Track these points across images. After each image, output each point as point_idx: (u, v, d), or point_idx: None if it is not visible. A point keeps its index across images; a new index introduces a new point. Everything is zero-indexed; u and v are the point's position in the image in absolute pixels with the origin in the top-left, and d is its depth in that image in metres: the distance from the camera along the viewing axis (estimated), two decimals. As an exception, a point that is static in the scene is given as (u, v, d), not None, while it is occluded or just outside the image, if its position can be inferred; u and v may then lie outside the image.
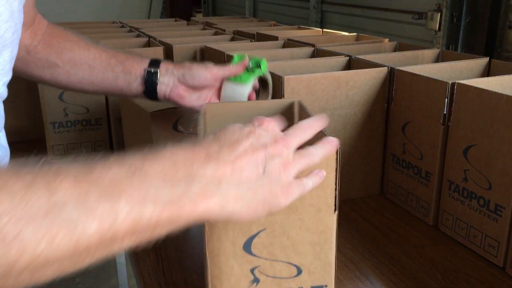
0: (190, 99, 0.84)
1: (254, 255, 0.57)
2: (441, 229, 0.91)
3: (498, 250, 0.80)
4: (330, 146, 0.53)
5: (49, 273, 0.35)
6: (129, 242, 0.39)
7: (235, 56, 0.87)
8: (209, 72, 0.82)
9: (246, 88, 0.84)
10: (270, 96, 0.91)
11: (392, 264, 0.81)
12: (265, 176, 0.46)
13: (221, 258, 0.56)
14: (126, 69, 0.83)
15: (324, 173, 0.53)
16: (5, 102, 0.85)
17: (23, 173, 0.35)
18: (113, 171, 0.39)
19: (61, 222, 0.34)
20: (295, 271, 0.59)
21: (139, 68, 0.83)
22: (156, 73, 0.83)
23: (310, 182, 0.51)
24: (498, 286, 0.75)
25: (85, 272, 2.39)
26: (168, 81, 0.83)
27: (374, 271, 0.79)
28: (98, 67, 0.83)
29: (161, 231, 0.40)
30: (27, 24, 0.80)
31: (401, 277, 0.77)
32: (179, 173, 0.41)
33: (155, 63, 0.84)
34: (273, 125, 0.51)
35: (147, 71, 0.83)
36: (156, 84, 0.83)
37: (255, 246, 0.56)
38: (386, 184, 1.05)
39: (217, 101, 0.86)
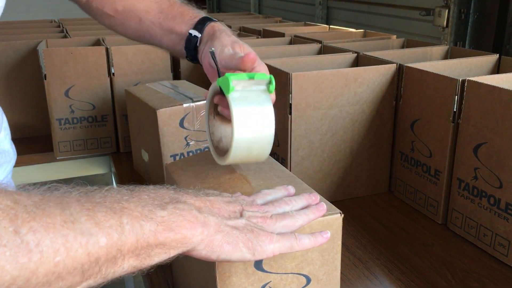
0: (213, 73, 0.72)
1: (265, 271, 0.56)
2: (450, 227, 0.90)
3: (508, 249, 0.79)
4: (317, 213, 0.54)
5: (62, 287, 0.36)
6: (132, 262, 0.40)
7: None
8: (234, 62, 0.65)
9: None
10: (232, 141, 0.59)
11: (401, 263, 0.80)
12: (243, 219, 0.48)
13: (233, 279, 0.55)
14: (173, 28, 0.76)
15: (329, 235, 0.53)
16: (11, 98, 0.85)
17: (31, 194, 0.37)
18: (112, 195, 0.41)
19: (75, 233, 0.36)
20: (304, 281, 0.58)
21: (185, 29, 0.74)
22: (197, 38, 0.73)
23: (306, 239, 0.51)
24: (509, 285, 0.74)
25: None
26: (205, 49, 0.72)
27: (383, 270, 0.79)
28: (148, 22, 0.78)
29: (158, 253, 0.42)
30: None
31: (410, 276, 0.77)
32: (165, 199, 0.44)
33: (200, 24, 0.74)
34: (250, 198, 0.54)
35: (189, 34, 0.74)
36: (197, 51, 0.74)
37: (266, 262, 0.55)
38: (394, 182, 1.04)
39: None
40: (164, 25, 0.77)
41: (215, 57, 0.65)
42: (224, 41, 0.68)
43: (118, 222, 0.39)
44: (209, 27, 0.73)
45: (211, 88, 0.65)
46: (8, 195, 0.35)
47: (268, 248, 0.47)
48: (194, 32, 0.73)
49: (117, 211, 0.39)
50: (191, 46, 0.74)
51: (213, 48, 0.66)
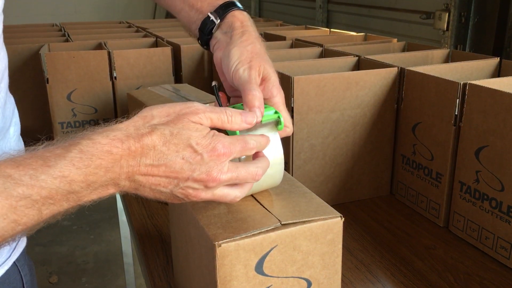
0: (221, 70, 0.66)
1: (266, 275, 0.56)
2: (452, 230, 0.91)
3: (510, 252, 0.79)
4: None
5: None
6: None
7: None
8: (241, 90, 0.58)
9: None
10: None
11: (403, 266, 0.80)
12: (168, 190, 0.49)
13: (233, 283, 0.55)
14: (194, 3, 0.68)
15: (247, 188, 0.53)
16: (15, 102, 0.85)
17: None
18: (41, 180, 0.42)
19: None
20: (305, 285, 0.58)
21: (205, 9, 0.67)
22: (213, 26, 0.65)
23: (233, 192, 0.52)
24: (511, 288, 0.75)
25: (92, 272, 2.39)
26: (223, 38, 0.65)
27: (385, 272, 0.79)
28: None
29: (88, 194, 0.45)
30: None
31: (412, 279, 0.77)
32: (98, 178, 0.45)
33: (223, 8, 0.66)
34: (223, 157, 0.49)
35: (207, 17, 0.66)
36: (210, 36, 0.67)
37: (267, 266, 0.55)
38: (396, 185, 1.04)
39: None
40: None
41: (217, 92, 0.59)
42: (243, 54, 0.60)
43: (37, 213, 0.42)
44: (230, 16, 0.65)
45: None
46: None
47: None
48: (213, 16, 0.65)
49: (38, 204, 0.42)
50: (206, 30, 0.66)
51: (214, 83, 0.60)
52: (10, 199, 0.40)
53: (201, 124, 0.49)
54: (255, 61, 0.59)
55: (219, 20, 0.65)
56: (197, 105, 0.50)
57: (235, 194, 0.52)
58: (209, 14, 0.65)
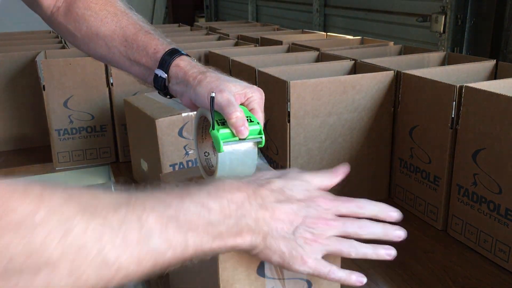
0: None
1: (268, 277, 0.56)
2: (450, 234, 0.90)
3: (509, 255, 0.79)
4: (380, 254, 0.54)
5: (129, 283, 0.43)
6: (184, 263, 0.46)
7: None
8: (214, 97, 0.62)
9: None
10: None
11: (402, 270, 0.80)
12: (293, 236, 0.50)
13: (236, 286, 0.55)
14: (140, 62, 0.72)
15: (364, 280, 0.54)
16: (10, 109, 0.84)
17: (117, 207, 0.43)
18: (186, 207, 0.46)
19: (147, 249, 0.43)
20: (305, 286, 0.58)
21: (150, 65, 0.71)
22: (164, 80, 0.69)
23: (338, 274, 0.52)
24: (510, 291, 0.74)
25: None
26: (176, 89, 0.69)
27: (384, 277, 0.78)
28: (113, 48, 0.74)
29: (206, 256, 0.48)
30: None
31: (411, 283, 0.76)
32: (232, 212, 0.48)
33: (165, 62, 0.69)
34: (328, 205, 0.53)
35: (155, 74, 0.70)
36: (167, 89, 0.70)
37: (268, 268, 0.56)
38: (394, 188, 1.04)
39: None
40: (131, 55, 0.73)
41: (213, 104, 0.60)
42: (209, 87, 0.63)
43: (184, 238, 0.45)
44: (175, 68, 0.68)
45: (198, 113, 0.65)
46: (97, 214, 0.41)
47: (295, 268, 0.51)
48: (160, 72, 0.69)
49: (185, 228, 0.45)
50: (160, 86, 0.70)
51: (213, 94, 0.60)
52: (162, 218, 0.44)
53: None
54: (222, 85, 0.62)
55: (166, 74, 0.69)
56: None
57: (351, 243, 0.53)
58: (156, 71, 0.69)
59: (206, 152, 0.67)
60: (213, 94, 0.60)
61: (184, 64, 0.68)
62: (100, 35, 0.74)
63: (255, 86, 0.64)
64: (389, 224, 0.55)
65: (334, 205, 0.53)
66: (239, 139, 0.58)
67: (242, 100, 0.62)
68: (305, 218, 0.51)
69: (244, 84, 0.64)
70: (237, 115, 0.58)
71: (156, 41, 0.72)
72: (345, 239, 0.52)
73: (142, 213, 0.43)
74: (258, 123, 0.60)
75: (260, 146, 0.60)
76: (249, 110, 0.62)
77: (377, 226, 0.54)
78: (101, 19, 0.75)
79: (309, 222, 0.51)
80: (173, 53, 0.69)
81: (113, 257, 0.40)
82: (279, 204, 0.51)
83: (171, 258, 0.44)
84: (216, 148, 0.58)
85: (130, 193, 0.45)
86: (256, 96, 0.63)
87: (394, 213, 0.56)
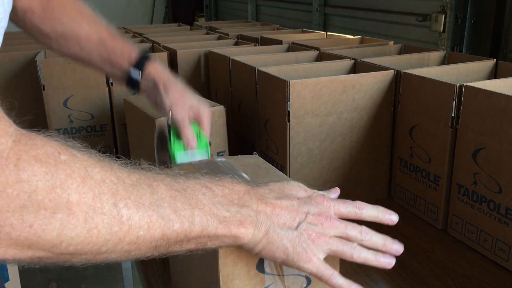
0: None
1: (267, 273, 0.56)
2: (450, 233, 0.90)
3: (509, 254, 0.79)
4: (381, 261, 0.54)
5: (137, 255, 0.44)
6: (191, 245, 0.47)
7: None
8: (171, 113, 0.78)
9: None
10: None
11: (402, 269, 0.80)
12: (297, 231, 0.50)
13: (236, 282, 0.55)
14: (112, 61, 0.82)
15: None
16: (10, 109, 0.84)
17: (130, 172, 0.44)
18: (192, 185, 0.47)
19: (158, 215, 0.43)
20: (305, 282, 0.58)
21: (124, 65, 0.82)
22: (138, 83, 0.82)
23: (339, 280, 0.52)
24: (510, 291, 0.74)
25: (91, 279, 2.38)
26: (148, 86, 0.82)
27: (384, 276, 0.78)
28: (87, 49, 0.82)
29: (213, 243, 0.49)
30: None
31: (411, 283, 0.76)
32: (234, 200, 0.49)
33: (139, 64, 0.82)
34: (328, 203, 0.53)
35: (129, 75, 0.82)
36: (140, 88, 0.83)
37: (267, 264, 0.56)
38: (394, 187, 1.04)
39: None
40: (105, 56, 0.82)
41: (169, 122, 0.77)
42: (172, 99, 0.79)
43: (191, 213, 0.45)
44: (147, 74, 0.81)
45: (157, 127, 0.81)
46: (113, 172, 0.42)
47: (300, 264, 0.51)
48: (135, 74, 0.81)
49: (192, 203, 0.46)
50: (134, 84, 0.82)
51: (170, 114, 0.77)
52: (171, 190, 0.45)
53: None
54: (181, 99, 0.79)
55: (141, 76, 0.81)
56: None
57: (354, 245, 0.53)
58: (131, 72, 0.81)
59: (164, 160, 0.78)
60: (170, 114, 0.76)
61: (158, 69, 0.82)
62: (75, 35, 0.82)
63: (207, 101, 0.81)
64: (389, 237, 0.55)
65: (334, 204, 0.53)
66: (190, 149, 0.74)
67: (195, 112, 0.79)
68: (307, 214, 0.51)
69: (200, 98, 0.81)
70: (188, 132, 0.76)
71: (128, 45, 0.84)
72: (347, 241, 0.52)
73: (153, 182, 0.44)
74: (205, 136, 0.78)
75: (208, 156, 0.75)
76: (199, 121, 0.79)
77: (378, 237, 0.54)
78: (77, 22, 0.82)
79: (311, 218, 0.51)
80: (146, 57, 0.82)
81: (126, 215, 0.41)
82: (279, 200, 0.51)
83: (179, 232, 0.44)
84: (172, 160, 0.71)
85: (141, 167, 0.46)
86: (207, 111, 0.80)
87: (393, 216, 0.56)
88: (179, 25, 2.29)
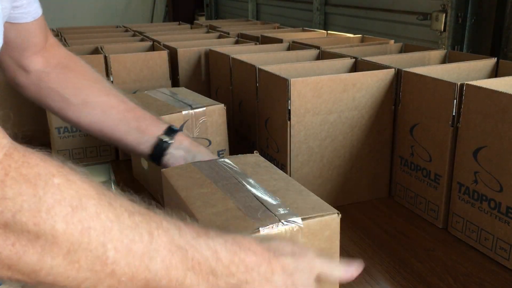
0: None
1: None
2: (451, 232, 0.90)
3: (510, 253, 0.79)
4: None
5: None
6: None
7: None
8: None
9: None
10: None
11: (403, 268, 0.80)
12: None
13: None
14: (141, 128, 0.81)
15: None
16: (10, 107, 0.85)
17: (134, 213, 0.41)
18: (197, 245, 0.44)
19: (145, 268, 0.40)
20: None
21: (154, 132, 0.81)
22: (169, 144, 0.80)
23: None
24: (511, 289, 0.74)
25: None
26: (176, 153, 0.80)
27: (384, 275, 0.78)
28: (112, 116, 0.80)
29: None
30: (37, 47, 0.78)
31: (412, 281, 0.76)
32: (238, 272, 0.46)
33: (170, 132, 0.81)
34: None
35: (160, 139, 0.80)
36: (165, 154, 0.81)
37: None
38: (395, 186, 1.04)
39: None
40: (132, 124, 0.80)
41: None
42: (206, 151, 0.81)
43: (183, 274, 0.43)
44: (180, 136, 0.81)
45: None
46: (111, 208, 0.40)
47: None
48: (167, 139, 0.80)
49: (189, 265, 0.43)
50: (161, 149, 0.80)
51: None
52: (171, 245, 0.42)
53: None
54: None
55: (171, 141, 0.80)
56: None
57: None
58: (161, 137, 0.80)
59: None
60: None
61: (188, 138, 0.83)
62: (100, 103, 0.80)
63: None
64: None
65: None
66: None
67: None
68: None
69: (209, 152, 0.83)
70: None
71: (157, 117, 0.84)
72: None
73: (155, 230, 0.42)
74: None
75: None
76: None
77: None
78: (103, 90, 0.82)
79: None
80: (175, 129, 0.82)
81: (112, 258, 0.38)
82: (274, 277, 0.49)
83: (163, 286, 0.42)
84: None
85: (150, 207, 0.44)
86: None
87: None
88: (179, 24, 2.29)
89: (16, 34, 0.74)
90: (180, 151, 0.80)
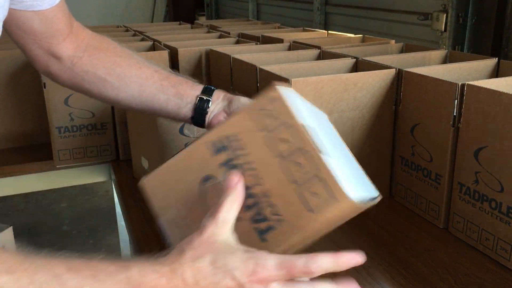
0: None
1: None
2: (452, 232, 0.90)
3: (510, 253, 0.78)
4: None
5: None
6: None
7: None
8: None
9: None
10: None
11: (403, 268, 0.80)
12: None
13: None
14: (179, 93, 0.80)
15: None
16: (11, 107, 0.85)
17: (36, 276, 0.43)
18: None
19: None
20: None
21: (192, 94, 0.79)
22: (209, 101, 0.78)
23: None
24: (512, 290, 0.74)
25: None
26: (214, 108, 0.79)
27: (385, 275, 0.78)
28: (149, 87, 0.80)
29: None
30: (64, 33, 0.78)
31: (412, 282, 0.76)
32: None
33: (208, 90, 0.80)
34: (267, 281, 0.48)
35: (199, 98, 0.78)
36: (207, 112, 0.79)
37: None
38: (395, 186, 1.04)
39: None
40: (170, 90, 0.79)
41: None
42: (242, 97, 0.76)
43: None
44: (218, 92, 0.79)
45: None
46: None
47: None
48: (204, 96, 0.78)
49: None
50: (203, 109, 0.78)
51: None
52: None
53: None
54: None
55: (211, 98, 0.78)
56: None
57: None
58: (200, 95, 0.78)
59: None
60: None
61: (224, 91, 0.80)
62: (134, 77, 0.80)
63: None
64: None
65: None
66: None
67: None
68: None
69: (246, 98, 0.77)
70: None
71: (190, 79, 0.82)
72: None
73: None
74: None
75: None
76: None
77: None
78: (134, 64, 0.81)
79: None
80: (211, 88, 0.80)
81: None
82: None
83: None
84: None
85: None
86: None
87: (354, 260, 0.51)
88: (180, 24, 2.28)
89: (39, 22, 0.74)
90: (219, 105, 0.78)
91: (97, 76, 0.79)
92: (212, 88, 0.80)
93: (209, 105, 0.78)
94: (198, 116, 0.79)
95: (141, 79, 0.80)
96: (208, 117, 0.79)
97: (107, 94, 0.81)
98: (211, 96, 0.79)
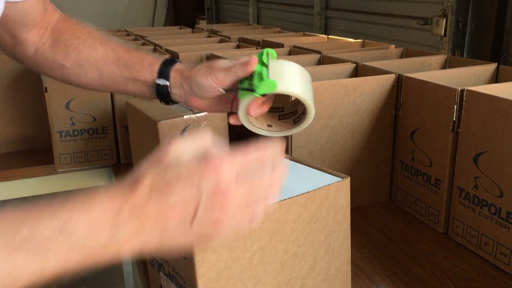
0: (210, 106, 0.74)
1: None
2: (451, 236, 0.90)
3: (510, 258, 0.79)
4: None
5: None
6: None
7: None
8: (214, 81, 0.69)
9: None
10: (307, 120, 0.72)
11: (403, 272, 0.80)
12: (192, 229, 0.45)
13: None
14: (134, 76, 0.75)
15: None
16: (12, 111, 0.85)
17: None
18: (41, 229, 0.40)
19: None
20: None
21: (149, 77, 0.74)
22: (167, 86, 0.74)
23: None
24: (511, 294, 0.75)
25: (92, 281, 2.38)
26: (180, 93, 0.74)
27: (385, 279, 0.79)
28: (106, 70, 0.76)
29: (88, 267, 0.43)
30: (36, 22, 0.77)
31: (412, 286, 0.77)
32: (104, 226, 0.43)
33: (163, 72, 0.74)
34: (220, 171, 0.45)
35: (157, 84, 0.74)
36: (170, 96, 0.75)
37: None
38: (395, 191, 1.04)
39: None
40: (125, 72, 0.76)
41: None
42: (197, 73, 0.70)
43: (40, 263, 0.40)
44: (174, 74, 0.74)
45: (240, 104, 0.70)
46: None
47: (213, 241, 0.47)
48: (162, 81, 0.74)
49: (40, 252, 0.40)
50: (164, 94, 0.74)
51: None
52: (7, 246, 0.39)
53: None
54: (210, 66, 0.70)
55: (168, 82, 0.73)
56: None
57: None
58: (157, 81, 0.73)
59: (268, 124, 0.76)
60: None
61: (181, 68, 0.73)
62: (91, 60, 0.76)
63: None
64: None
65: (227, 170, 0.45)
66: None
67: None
68: (197, 205, 0.44)
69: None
70: (247, 58, 0.67)
71: (148, 56, 0.76)
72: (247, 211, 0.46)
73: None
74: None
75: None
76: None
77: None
78: (90, 45, 0.77)
79: (205, 204, 0.44)
80: (168, 62, 0.74)
81: None
82: (161, 205, 0.45)
83: (28, 283, 0.40)
84: (270, 87, 0.67)
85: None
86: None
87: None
88: (180, 28, 2.29)
89: (15, 12, 0.73)
90: (179, 90, 0.73)
91: (57, 62, 0.78)
92: (168, 67, 0.74)
93: (170, 90, 0.74)
94: (165, 99, 0.75)
95: (97, 61, 0.76)
96: (178, 99, 0.75)
97: (71, 79, 0.79)
98: (168, 79, 0.74)
